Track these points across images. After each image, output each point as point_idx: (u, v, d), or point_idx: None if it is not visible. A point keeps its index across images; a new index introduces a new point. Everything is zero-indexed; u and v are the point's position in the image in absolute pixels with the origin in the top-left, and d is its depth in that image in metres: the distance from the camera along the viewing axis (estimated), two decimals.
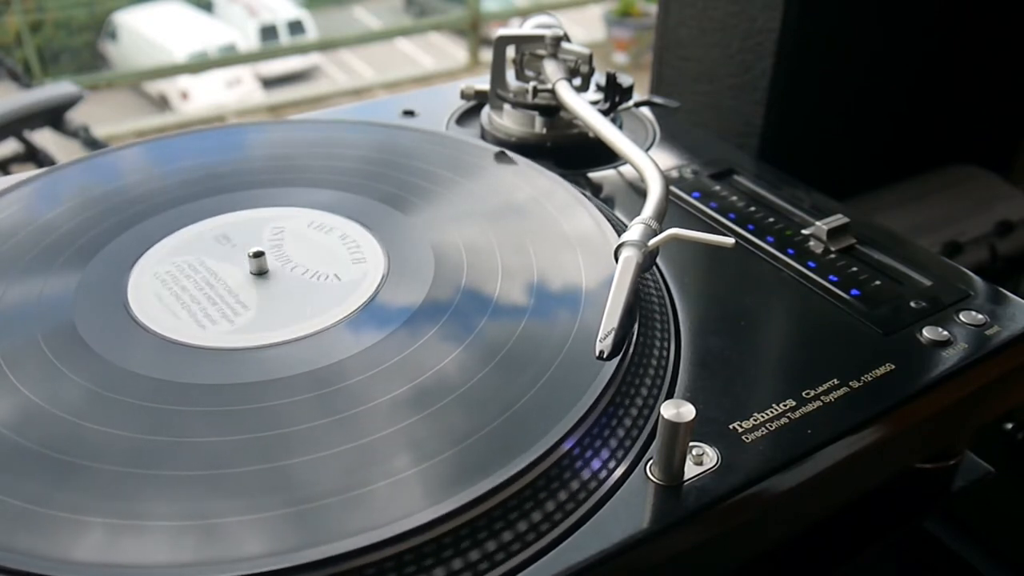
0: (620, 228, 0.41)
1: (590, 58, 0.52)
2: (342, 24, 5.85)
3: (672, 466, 0.30)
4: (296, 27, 5.58)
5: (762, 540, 0.34)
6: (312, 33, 5.59)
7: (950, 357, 0.37)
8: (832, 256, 0.43)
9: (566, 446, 0.30)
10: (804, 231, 0.45)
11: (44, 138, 1.56)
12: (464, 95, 0.56)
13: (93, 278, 0.39)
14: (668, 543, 0.29)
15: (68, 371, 0.33)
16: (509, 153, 0.48)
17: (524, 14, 3.50)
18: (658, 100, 0.58)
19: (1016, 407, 0.60)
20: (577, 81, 0.53)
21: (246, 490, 0.28)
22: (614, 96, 0.53)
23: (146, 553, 0.26)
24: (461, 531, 0.27)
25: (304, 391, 0.32)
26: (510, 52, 0.54)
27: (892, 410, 0.34)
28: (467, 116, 0.58)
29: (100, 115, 3.20)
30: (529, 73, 0.54)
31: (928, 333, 0.38)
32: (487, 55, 1.21)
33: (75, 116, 1.51)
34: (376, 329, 0.35)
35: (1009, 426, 0.61)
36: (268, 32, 5.49)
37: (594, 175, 0.51)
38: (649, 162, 0.43)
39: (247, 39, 5.38)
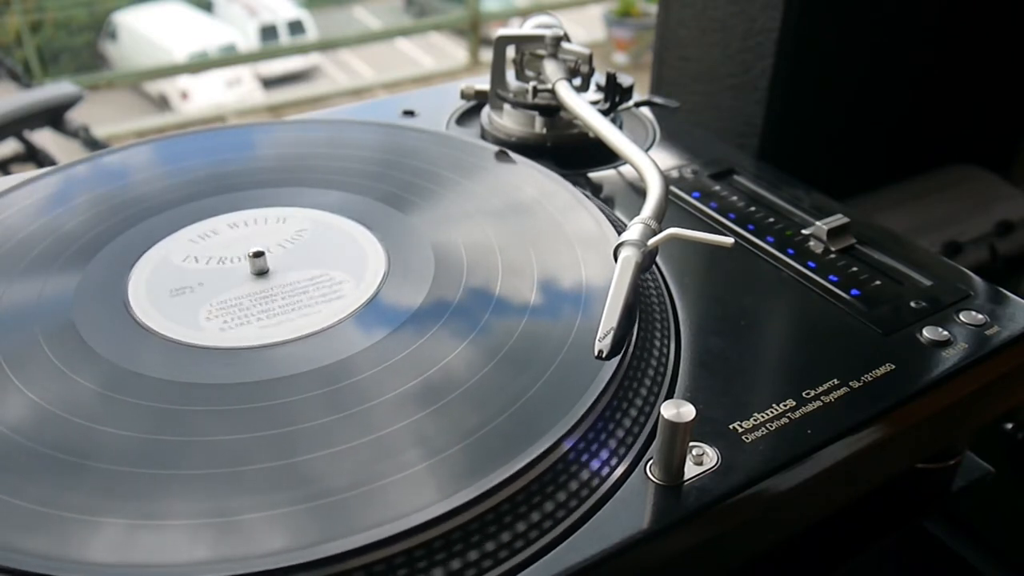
0: (620, 228, 0.41)
1: (590, 58, 0.52)
2: (342, 24, 5.85)
3: (672, 466, 0.30)
4: (296, 27, 5.58)
5: (762, 540, 0.34)
6: (312, 33, 5.58)
7: (950, 357, 0.37)
8: (832, 256, 0.43)
9: (566, 446, 0.30)
10: (804, 231, 0.45)
11: (44, 138, 1.56)
12: (464, 95, 0.56)
13: (93, 278, 0.39)
14: (668, 543, 0.29)
15: (70, 372, 0.33)
16: (509, 153, 0.48)
17: (524, 14, 3.51)
18: (658, 100, 0.58)
19: (1016, 407, 0.60)
20: (577, 81, 0.53)
21: (257, 487, 0.28)
22: (614, 96, 0.54)
23: (159, 552, 0.26)
24: (461, 530, 0.27)
25: (310, 389, 0.32)
26: (510, 52, 0.54)
27: (892, 410, 0.34)
28: (467, 116, 0.58)
29: (100, 115, 3.19)
30: (529, 73, 0.54)
31: (928, 333, 0.38)
32: (487, 55, 1.21)
33: (75, 116, 1.51)
34: (374, 330, 0.35)
35: (1009, 426, 0.61)
36: (268, 32, 5.49)
37: (594, 175, 0.51)
38: (649, 162, 0.43)
39: (247, 39, 5.37)
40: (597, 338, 0.33)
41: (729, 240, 0.35)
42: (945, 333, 0.38)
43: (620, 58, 3.69)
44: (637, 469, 0.31)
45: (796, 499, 0.33)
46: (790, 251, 0.43)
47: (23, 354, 0.34)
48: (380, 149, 0.49)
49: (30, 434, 0.30)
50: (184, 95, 4.74)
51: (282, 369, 0.33)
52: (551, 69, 0.52)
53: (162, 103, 4.77)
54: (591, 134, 0.51)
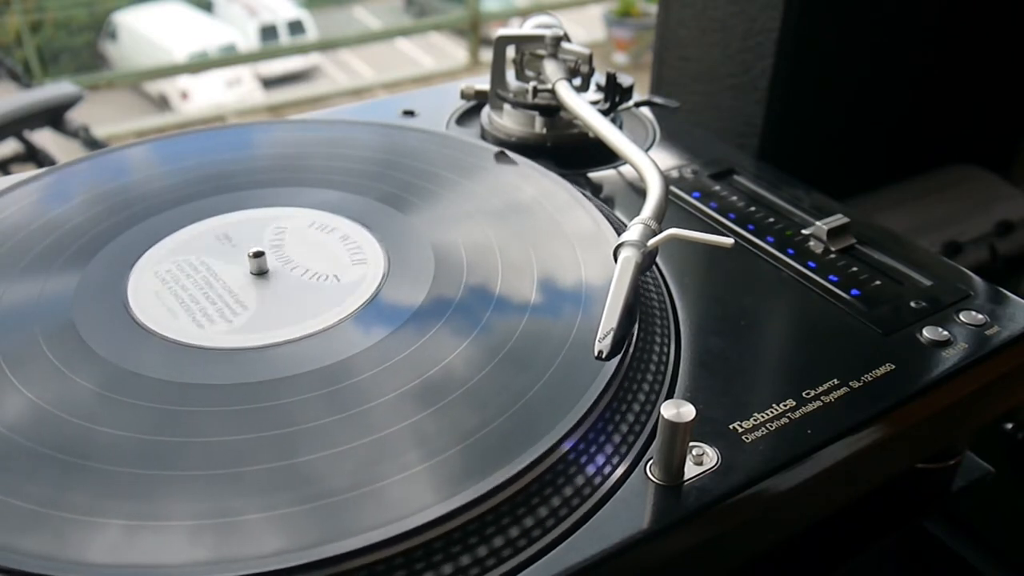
0: (620, 228, 0.41)
1: (590, 58, 0.52)
2: (342, 24, 5.85)
3: (672, 466, 0.30)
4: (296, 27, 5.57)
5: (762, 540, 0.34)
6: (312, 33, 5.58)
7: (950, 357, 0.37)
8: (832, 256, 0.43)
9: (566, 446, 0.30)
10: (804, 231, 0.45)
11: (44, 138, 1.56)
12: (464, 95, 0.56)
13: (93, 278, 0.39)
14: (668, 543, 0.29)
15: (69, 372, 0.33)
16: (509, 153, 0.48)
17: (524, 14, 3.51)
18: (658, 100, 0.58)
19: (1016, 407, 0.60)
20: (577, 81, 0.53)
21: (256, 488, 0.28)
22: (614, 96, 0.53)
23: (158, 553, 0.26)
24: (461, 531, 0.27)
25: (310, 389, 0.32)
26: (510, 52, 0.54)
27: (892, 410, 0.34)
28: (467, 116, 0.58)
29: (100, 115, 3.19)
30: (529, 73, 0.54)
31: (928, 333, 0.38)
32: (487, 55, 1.21)
33: (75, 116, 1.51)
34: (374, 331, 0.35)
35: (1009, 426, 0.61)
36: (268, 32, 5.49)
37: (594, 175, 0.51)
38: (649, 162, 0.43)
39: (247, 39, 5.37)
40: (597, 339, 0.33)
41: (729, 240, 0.35)
42: (945, 333, 0.38)
43: (620, 58, 3.69)
44: (637, 469, 0.31)
45: (796, 499, 0.33)
46: (790, 251, 0.43)
47: (23, 354, 0.34)
48: (380, 149, 0.49)
49: (29, 434, 0.30)
50: (184, 95, 4.73)
51: (282, 370, 0.33)
52: (551, 69, 0.52)
53: (162, 103, 4.77)
54: (591, 134, 0.51)
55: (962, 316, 0.39)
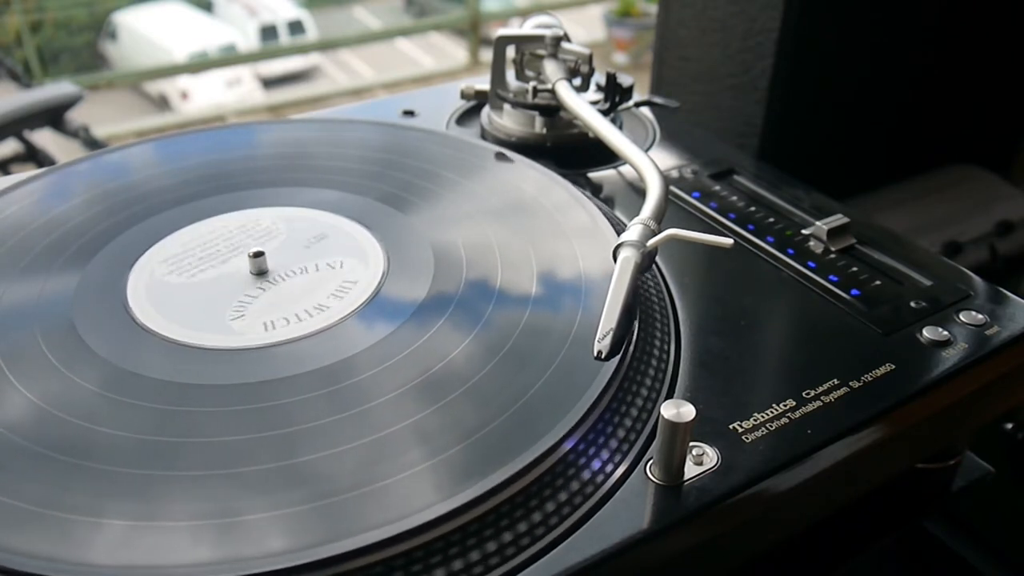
0: (620, 228, 0.41)
1: (590, 58, 0.52)
2: (342, 24, 5.85)
3: (672, 466, 0.30)
4: (296, 27, 5.58)
5: (762, 540, 0.34)
6: (312, 33, 5.59)
7: (950, 357, 0.37)
8: (832, 256, 0.43)
9: (566, 446, 0.30)
10: (804, 231, 0.45)
11: (44, 138, 1.56)
12: (464, 95, 0.56)
13: (93, 278, 0.39)
14: (668, 543, 0.29)
15: (69, 372, 0.33)
16: (509, 153, 0.48)
17: (524, 14, 3.51)
18: (658, 100, 0.58)
19: (1016, 407, 0.60)
20: (577, 81, 0.53)
21: (258, 488, 0.28)
22: (614, 96, 0.53)
23: (159, 553, 0.26)
24: (460, 532, 0.27)
25: (310, 389, 0.32)
26: (510, 52, 0.54)
27: (892, 410, 0.34)
28: (467, 116, 0.58)
29: (100, 115, 3.19)
30: (529, 73, 0.54)
31: (928, 333, 0.38)
32: (487, 55, 1.21)
33: (75, 116, 1.51)
34: (374, 331, 0.35)
35: (1009, 426, 0.61)
36: (268, 32, 5.49)
37: (594, 175, 0.51)
38: (648, 162, 0.43)
39: (247, 39, 5.38)
40: (596, 339, 0.33)
41: (728, 241, 0.35)
42: (945, 333, 0.38)
43: (620, 58, 3.69)
44: (637, 469, 0.31)
45: (796, 499, 0.33)
46: (790, 251, 0.43)
47: (22, 354, 0.34)
48: (380, 149, 0.49)
49: (28, 434, 0.30)
50: (184, 95, 4.74)
51: (282, 369, 0.33)
52: (551, 69, 0.52)
53: (162, 103, 4.77)
54: (591, 134, 0.51)
55: (962, 316, 0.39)
